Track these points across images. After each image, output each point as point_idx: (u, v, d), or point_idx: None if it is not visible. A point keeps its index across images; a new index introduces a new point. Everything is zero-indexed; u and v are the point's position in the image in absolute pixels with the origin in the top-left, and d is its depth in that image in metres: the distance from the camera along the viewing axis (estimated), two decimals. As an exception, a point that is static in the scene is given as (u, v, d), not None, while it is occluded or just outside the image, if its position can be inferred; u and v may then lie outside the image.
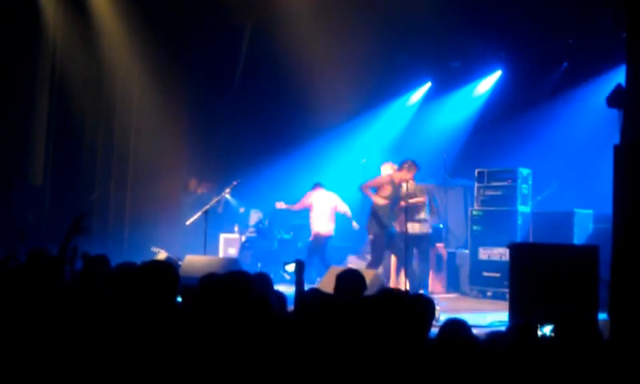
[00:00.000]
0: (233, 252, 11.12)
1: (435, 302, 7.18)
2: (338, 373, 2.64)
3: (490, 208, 9.04)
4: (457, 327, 3.01)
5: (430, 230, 8.33)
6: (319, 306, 3.04)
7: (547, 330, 2.79)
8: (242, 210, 11.68)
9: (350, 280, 3.96)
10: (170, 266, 3.12)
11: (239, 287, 3.22)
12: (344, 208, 9.94)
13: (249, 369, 2.64)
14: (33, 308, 3.18)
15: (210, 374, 2.63)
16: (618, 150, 5.09)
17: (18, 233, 7.26)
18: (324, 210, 9.82)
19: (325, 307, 3.01)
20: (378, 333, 2.86)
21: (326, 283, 6.78)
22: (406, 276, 7.63)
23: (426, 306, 3.11)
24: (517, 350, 2.72)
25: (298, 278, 4.48)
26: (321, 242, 9.76)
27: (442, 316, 6.24)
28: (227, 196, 10.17)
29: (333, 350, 2.73)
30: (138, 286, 2.97)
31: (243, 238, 11.31)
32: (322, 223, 9.76)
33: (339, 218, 10.00)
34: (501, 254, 8.59)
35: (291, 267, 4.67)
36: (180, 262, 7.96)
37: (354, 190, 9.47)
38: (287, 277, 9.34)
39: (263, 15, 11.25)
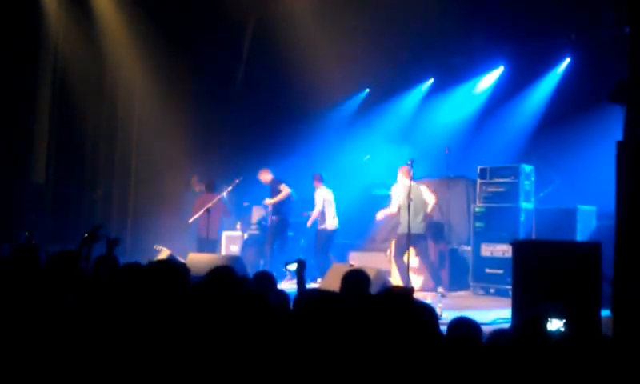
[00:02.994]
0: (235, 250, 11.10)
1: (439, 298, 7.18)
2: (339, 372, 2.64)
3: (493, 204, 9.02)
4: (466, 328, 2.99)
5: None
6: (321, 304, 3.02)
7: (556, 325, 2.77)
8: (245, 203, 11.68)
9: (356, 280, 3.95)
10: (179, 267, 3.12)
11: (229, 283, 3.21)
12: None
13: (250, 367, 2.63)
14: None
15: (212, 372, 2.63)
16: (622, 146, 5.07)
17: (28, 231, 7.59)
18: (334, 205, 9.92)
19: (327, 305, 3.00)
20: (382, 331, 2.85)
21: (328, 281, 6.76)
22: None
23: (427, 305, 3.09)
24: (522, 348, 2.71)
25: (300, 277, 4.48)
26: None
27: (444, 313, 6.24)
28: (224, 194, 10.15)
29: (335, 349, 2.73)
30: (147, 285, 2.97)
31: (245, 236, 11.29)
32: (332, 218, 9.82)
33: (341, 216, 9.99)
34: (503, 250, 8.59)
35: (293, 266, 4.66)
36: (183, 261, 7.96)
37: (356, 188, 9.43)
38: (289, 275, 9.33)
39: (265, 12, 11.24)
